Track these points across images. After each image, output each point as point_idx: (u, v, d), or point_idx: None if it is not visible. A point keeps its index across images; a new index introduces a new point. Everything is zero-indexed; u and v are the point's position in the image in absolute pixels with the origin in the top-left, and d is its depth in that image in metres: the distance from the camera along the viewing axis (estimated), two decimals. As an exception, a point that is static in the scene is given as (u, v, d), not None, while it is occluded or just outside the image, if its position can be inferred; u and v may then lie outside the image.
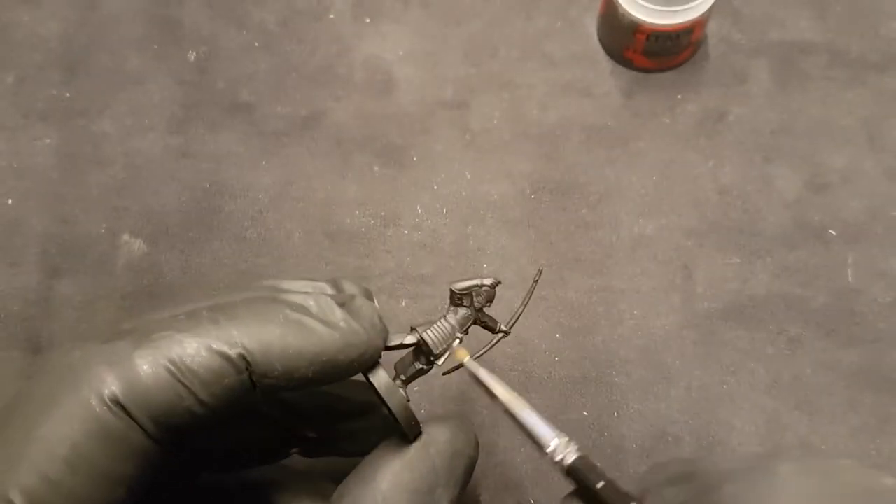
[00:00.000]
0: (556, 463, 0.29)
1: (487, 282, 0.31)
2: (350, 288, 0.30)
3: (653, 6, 0.45)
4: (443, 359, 0.31)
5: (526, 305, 0.32)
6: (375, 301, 0.30)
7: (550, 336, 0.45)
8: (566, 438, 0.29)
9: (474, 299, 0.31)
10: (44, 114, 0.50)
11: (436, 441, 0.29)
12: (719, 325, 0.45)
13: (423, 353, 0.30)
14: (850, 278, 0.46)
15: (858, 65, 0.49)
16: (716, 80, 0.50)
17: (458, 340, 0.31)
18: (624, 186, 0.48)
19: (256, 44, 0.51)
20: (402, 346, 0.30)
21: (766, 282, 0.46)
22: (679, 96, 0.49)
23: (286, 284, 0.28)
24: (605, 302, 0.46)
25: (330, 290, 0.29)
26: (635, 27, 0.46)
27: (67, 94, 0.51)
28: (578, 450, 0.29)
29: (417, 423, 0.29)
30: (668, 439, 0.43)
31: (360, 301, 0.28)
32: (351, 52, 0.51)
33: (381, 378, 0.28)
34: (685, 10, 0.45)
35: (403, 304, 0.46)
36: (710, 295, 0.46)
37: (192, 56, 0.51)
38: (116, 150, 0.50)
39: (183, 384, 0.23)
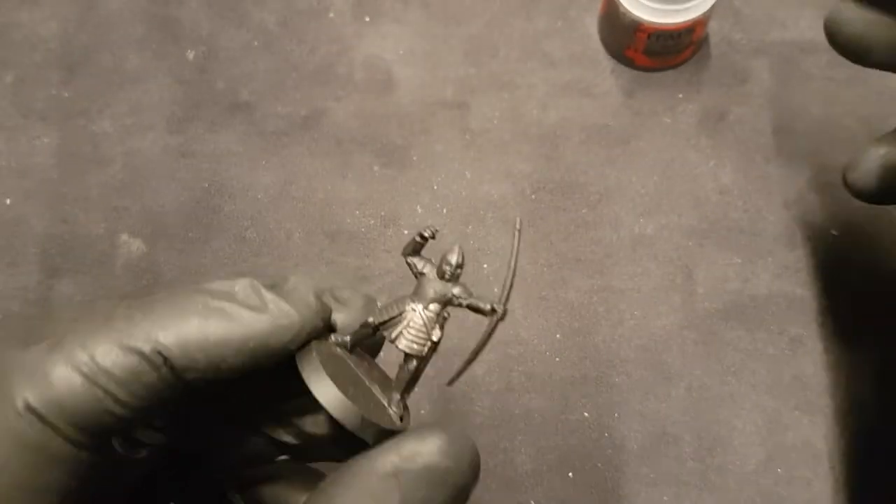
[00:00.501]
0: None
1: (425, 232, 0.27)
2: (350, 296, 0.28)
3: (654, 5, 0.45)
4: (395, 330, 0.26)
5: (515, 270, 0.26)
6: (380, 303, 0.28)
7: (551, 336, 0.45)
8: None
9: (436, 266, 0.27)
10: (43, 113, 0.50)
11: (409, 464, 0.23)
12: (720, 325, 0.45)
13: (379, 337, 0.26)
14: (851, 279, 0.46)
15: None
16: (717, 80, 0.49)
17: (415, 312, 0.26)
18: (624, 186, 0.48)
19: (256, 43, 0.51)
20: (359, 333, 0.27)
21: (767, 282, 0.46)
22: (680, 96, 0.49)
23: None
24: (605, 302, 0.46)
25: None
26: (636, 26, 0.46)
27: (67, 94, 0.51)
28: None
29: (373, 426, 0.24)
30: (668, 439, 0.43)
31: (295, 281, 0.26)
32: (351, 52, 0.51)
33: (306, 360, 0.24)
34: (686, 9, 0.45)
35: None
36: (710, 295, 0.46)
37: (191, 55, 0.51)
38: (116, 150, 0.50)
39: (98, 386, 0.23)
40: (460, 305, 0.26)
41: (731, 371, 0.44)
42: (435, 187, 0.48)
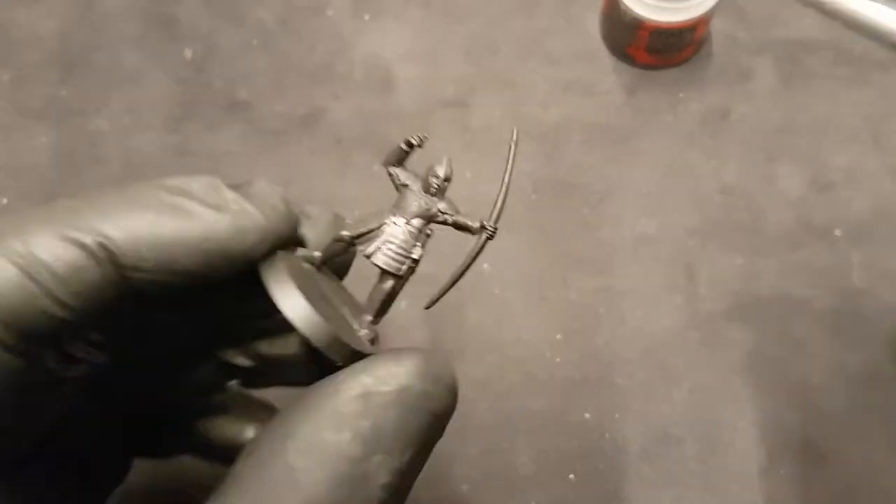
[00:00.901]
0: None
1: (413, 139, 0.24)
2: (315, 212, 0.26)
3: (656, 3, 0.45)
4: (371, 245, 0.24)
5: (508, 186, 0.25)
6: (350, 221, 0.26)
7: (551, 337, 0.45)
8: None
9: (421, 179, 0.24)
10: (41, 112, 0.50)
11: (382, 385, 0.21)
12: (722, 325, 0.45)
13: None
14: (854, 279, 0.45)
15: (863, 62, 0.49)
16: (719, 78, 0.49)
17: (393, 225, 0.24)
18: (626, 185, 0.47)
19: (255, 41, 0.51)
20: (329, 249, 0.24)
21: (769, 282, 0.45)
22: (682, 94, 0.49)
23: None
24: (606, 302, 0.45)
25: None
26: (638, 24, 0.46)
27: (64, 93, 0.50)
28: None
29: (343, 345, 0.21)
30: (670, 441, 0.43)
31: (262, 184, 0.23)
32: (350, 50, 0.51)
33: (274, 271, 0.21)
34: (688, 6, 0.45)
35: (403, 304, 0.46)
36: (713, 295, 0.45)
37: (189, 54, 0.51)
38: (114, 149, 0.49)
39: (35, 280, 0.20)
40: (445, 222, 0.24)
41: (734, 372, 0.44)
42: (435, 187, 0.48)
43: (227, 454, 0.30)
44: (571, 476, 0.43)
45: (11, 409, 0.21)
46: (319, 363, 0.22)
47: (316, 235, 0.25)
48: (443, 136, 0.49)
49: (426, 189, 0.25)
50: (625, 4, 0.45)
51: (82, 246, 0.20)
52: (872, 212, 0.46)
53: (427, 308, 0.25)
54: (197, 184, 0.22)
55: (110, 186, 0.22)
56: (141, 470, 0.30)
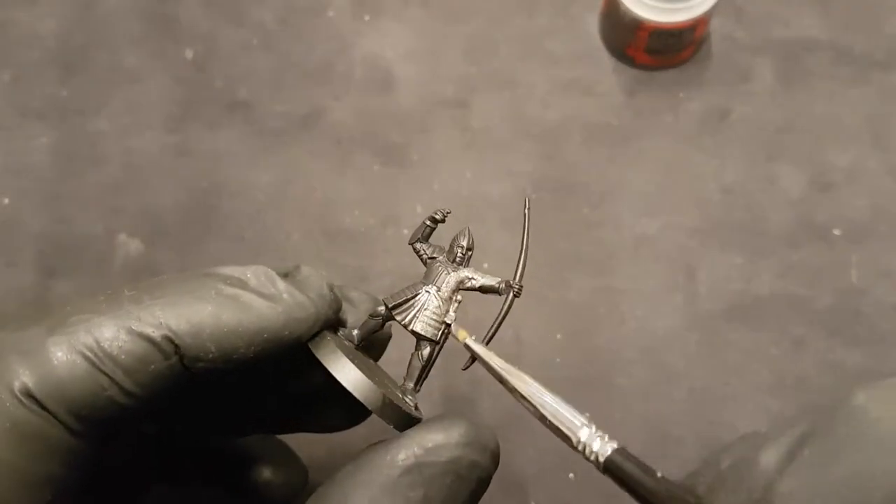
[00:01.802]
0: (589, 458, 0.23)
1: (437, 215, 0.26)
2: (357, 297, 0.27)
3: (655, 3, 0.45)
4: (409, 314, 0.25)
5: (526, 252, 0.27)
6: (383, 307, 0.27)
7: (551, 337, 0.45)
8: (595, 428, 0.24)
9: (446, 250, 0.26)
10: (40, 112, 0.50)
11: (433, 458, 0.22)
12: (722, 325, 0.45)
13: (420, 336, 0.26)
14: (854, 278, 0.45)
15: (863, 62, 0.49)
16: (719, 78, 0.49)
17: (428, 295, 0.25)
18: (626, 185, 0.47)
19: (255, 41, 0.51)
20: (369, 323, 0.26)
21: (769, 282, 0.45)
22: (681, 94, 0.49)
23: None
24: (606, 302, 0.45)
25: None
26: (637, 24, 0.46)
27: (64, 93, 0.50)
28: (612, 439, 0.23)
29: (402, 412, 0.23)
30: (670, 441, 0.43)
31: (308, 270, 0.25)
32: (350, 50, 0.51)
33: (340, 363, 0.23)
34: (688, 7, 0.45)
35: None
36: (713, 295, 0.45)
37: (189, 54, 0.51)
38: (113, 149, 0.49)
39: (103, 372, 0.21)
40: (472, 288, 0.26)
41: (734, 372, 0.44)
42: (435, 187, 0.48)
43: (240, 486, 0.32)
44: (571, 476, 0.43)
45: (77, 486, 0.22)
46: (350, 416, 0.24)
47: (356, 318, 0.27)
48: (443, 135, 0.49)
49: (451, 259, 0.27)
50: (624, 5, 0.45)
51: (150, 340, 0.21)
52: (872, 212, 0.46)
53: (464, 369, 0.26)
54: (252, 274, 0.24)
55: (167, 275, 0.23)
56: (157, 493, 0.31)
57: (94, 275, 0.47)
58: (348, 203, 0.48)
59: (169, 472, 0.31)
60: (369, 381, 0.23)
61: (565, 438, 0.23)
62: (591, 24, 0.51)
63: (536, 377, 0.42)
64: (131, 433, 0.26)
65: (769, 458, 0.21)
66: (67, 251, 0.47)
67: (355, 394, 0.23)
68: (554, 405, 0.24)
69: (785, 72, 0.49)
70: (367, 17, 0.51)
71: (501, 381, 0.24)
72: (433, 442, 0.22)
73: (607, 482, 0.44)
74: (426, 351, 0.25)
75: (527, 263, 0.27)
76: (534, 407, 0.24)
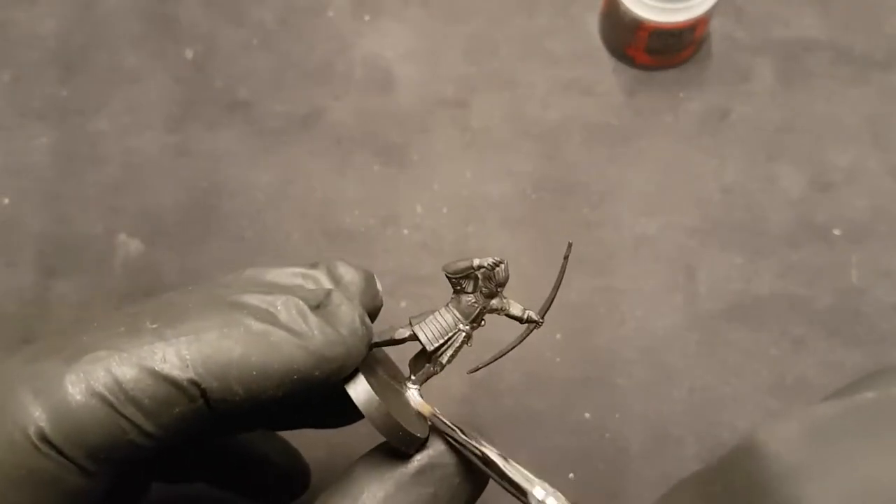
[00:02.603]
0: None
1: (486, 262, 0.26)
2: (346, 273, 0.26)
3: (655, 3, 0.45)
4: (447, 355, 0.26)
5: (558, 289, 0.27)
6: (379, 284, 0.27)
7: (551, 337, 0.45)
8: (546, 488, 0.25)
9: (480, 284, 0.26)
10: (40, 112, 0.50)
11: (446, 459, 0.24)
12: (722, 325, 0.45)
13: (425, 352, 0.26)
14: (854, 278, 0.45)
15: (863, 62, 0.49)
16: (719, 78, 0.49)
17: (463, 335, 0.26)
18: (626, 185, 0.47)
19: (255, 41, 0.51)
20: (392, 342, 0.26)
21: (769, 282, 0.45)
22: (681, 94, 0.49)
23: (271, 274, 0.25)
24: (606, 302, 0.45)
25: (324, 278, 0.25)
26: (637, 24, 0.46)
27: (64, 93, 0.50)
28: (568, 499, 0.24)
29: (412, 436, 0.24)
30: (670, 441, 0.43)
31: (339, 299, 0.24)
32: (350, 50, 0.51)
33: (359, 390, 0.23)
34: (688, 7, 0.45)
35: (403, 304, 0.46)
36: (713, 295, 0.45)
37: (189, 54, 0.51)
38: (113, 149, 0.49)
39: (124, 416, 0.20)
40: (497, 312, 0.27)
41: (734, 372, 0.44)
42: (435, 187, 0.48)
43: (243, 485, 0.32)
44: (571, 475, 0.43)
45: None
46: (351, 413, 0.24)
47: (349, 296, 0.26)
48: (443, 135, 0.49)
49: (486, 294, 0.27)
50: (624, 5, 0.45)
51: (174, 383, 0.20)
52: (872, 212, 0.46)
53: (470, 373, 0.28)
54: (282, 306, 0.22)
55: (188, 297, 0.22)
56: (157, 492, 0.31)
57: (94, 275, 0.47)
58: (348, 203, 0.48)
59: (170, 470, 0.31)
60: (383, 404, 0.23)
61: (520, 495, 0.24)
62: (591, 24, 0.51)
63: (535, 377, 0.42)
64: (146, 465, 0.25)
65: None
66: (67, 251, 0.47)
67: (379, 430, 0.23)
68: (511, 470, 0.24)
69: (785, 72, 0.49)
70: (367, 17, 0.51)
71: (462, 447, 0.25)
72: (443, 448, 0.24)
73: (607, 482, 0.44)
74: (440, 367, 0.27)
75: (553, 301, 0.27)
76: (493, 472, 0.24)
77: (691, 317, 0.45)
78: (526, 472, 0.24)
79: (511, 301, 0.27)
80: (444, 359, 0.26)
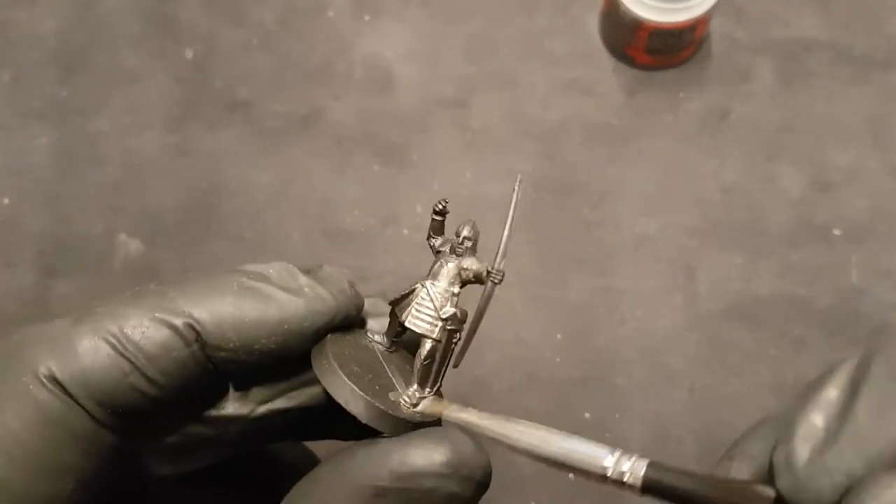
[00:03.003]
0: (625, 483, 0.20)
1: (436, 207, 0.25)
2: (334, 275, 0.26)
3: (655, 3, 0.45)
4: (405, 311, 0.24)
5: (510, 234, 0.25)
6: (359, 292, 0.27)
7: (551, 337, 0.45)
8: (618, 451, 0.21)
9: (453, 248, 0.25)
10: (40, 112, 0.50)
11: (411, 484, 0.21)
12: (722, 325, 0.45)
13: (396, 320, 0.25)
14: (854, 278, 0.45)
15: (863, 62, 0.49)
16: (719, 78, 0.49)
17: (421, 288, 0.24)
18: (626, 185, 0.47)
19: (255, 41, 0.51)
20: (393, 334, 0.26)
21: (769, 282, 0.45)
22: (681, 94, 0.49)
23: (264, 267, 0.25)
24: (606, 302, 0.45)
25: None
26: (637, 25, 0.46)
27: (64, 93, 0.50)
28: (641, 456, 0.21)
29: (385, 415, 0.22)
30: (670, 441, 0.43)
31: (329, 269, 0.25)
32: (350, 50, 0.51)
33: (323, 359, 0.23)
34: (687, 7, 0.44)
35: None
36: (713, 295, 0.45)
37: (189, 54, 0.51)
38: (113, 149, 0.49)
39: (126, 358, 0.21)
40: (469, 279, 0.25)
41: (734, 372, 0.44)
42: (435, 186, 0.48)
43: (268, 495, 0.31)
44: (571, 476, 0.43)
45: (100, 483, 0.22)
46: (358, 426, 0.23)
47: (379, 325, 0.27)
48: (443, 135, 0.49)
49: (453, 251, 0.26)
50: (624, 5, 0.45)
51: (172, 326, 0.22)
52: (872, 212, 0.46)
53: (454, 367, 0.25)
54: (274, 270, 0.24)
55: (192, 275, 0.24)
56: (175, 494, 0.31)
57: (94, 275, 0.47)
58: (348, 203, 0.48)
59: (189, 475, 0.31)
60: (356, 389, 0.22)
61: (589, 475, 0.21)
62: (591, 24, 0.51)
63: (535, 377, 0.42)
64: (159, 429, 0.25)
65: (817, 422, 0.19)
66: (67, 251, 0.47)
67: (343, 404, 0.22)
68: (564, 445, 0.22)
69: (785, 72, 0.49)
70: (367, 17, 0.51)
71: (498, 442, 0.22)
72: (411, 467, 0.21)
73: (607, 482, 0.43)
74: (426, 347, 0.24)
75: (508, 248, 0.25)
76: (543, 457, 0.21)
77: (691, 317, 0.45)
78: (585, 443, 0.21)
79: (480, 262, 0.25)
80: (406, 316, 0.24)
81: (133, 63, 0.51)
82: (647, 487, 0.20)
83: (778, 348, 0.44)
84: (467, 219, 0.26)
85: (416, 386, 0.24)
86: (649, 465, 0.20)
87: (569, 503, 0.43)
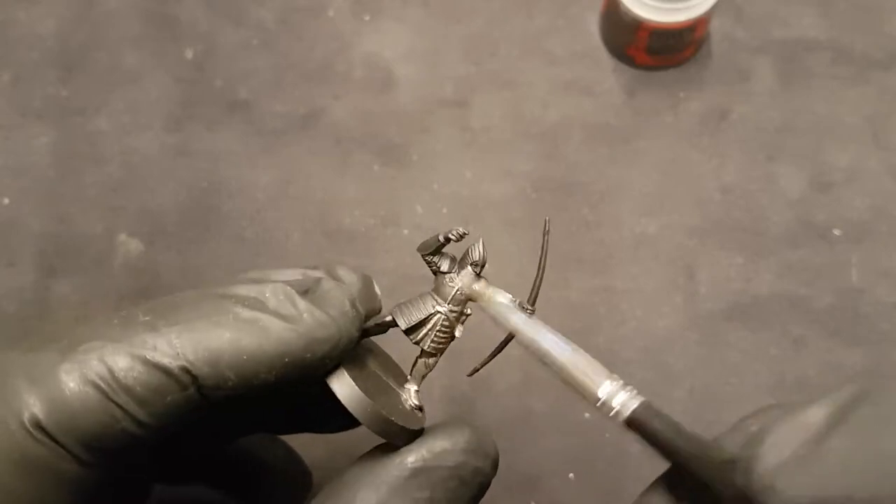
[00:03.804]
0: (610, 410, 0.23)
1: (452, 233, 0.25)
2: (345, 275, 0.26)
3: (655, 3, 0.45)
4: (427, 338, 0.25)
5: (544, 271, 0.27)
6: (377, 288, 0.27)
7: (552, 337, 0.45)
8: (618, 383, 0.24)
9: (456, 264, 0.26)
10: (41, 112, 0.50)
11: (440, 463, 0.23)
12: (722, 325, 0.45)
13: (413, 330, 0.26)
14: (854, 278, 0.45)
15: (862, 62, 0.49)
16: (719, 78, 0.49)
17: (440, 315, 0.25)
18: (626, 186, 0.47)
19: (255, 41, 0.51)
20: (375, 329, 0.26)
21: (769, 282, 0.45)
22: (681, 94, 0.49)
23: (275, 275, 0.25)
24: (606, 302, 0.45)
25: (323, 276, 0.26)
26: (637, 24, 0.46)
27: (64, 93, 0.50)
28: (637, 395, 0.23)
29: (404, 430, 0.24)
30: (670, 441, 0.43)
31: (329, 284, 0.24)
32: (350, 50, 0.51)
33: (342, 384, 0.23)
34: (688, 7, 0.45)
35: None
36: (712, 295, 0.45)
37: (189, 54, 0.51)
38: (113, 149, 0.49)
39: (116, 404, 0.20)
40: (482, 300, 0.26)
41: (734, 372, 0.44)
42: (435, 187, 0.48)
43: (244, 489, 0.32)
44: (571, 476, 0.43)
45: None
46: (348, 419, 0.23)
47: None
48: (443, 135, 0.49)
49: (460, 270, 0.26)
50: (624, 5, 0.45)
51: (165, 371, 0.21)
52: (872, 211, 0.46)
53: (469, 375, 0.27)
54: (270, 293, 0.23)
55: (181, 295, 0.23)
56: (157, 494, 0.31)
57: (94, 275, 0.47)
58: (348, 203, 0.48)
59: (172, 472, 0.31)
60: (373, 404, 0.23)
61: (584, 393, 0.23)
62: (591, 23, 0.51)
63: (535, 376, 0.42)
64: (141, 458, 0.25)
65: (817, 416, 0.20)
66: (67, 251, 0.47)
67: (361, 419, 0.23)
68: (573, 358, 0.24)
69: (785, 72, 0.49)
70: (366, 17, 0.51)
71: (514, 337, 0.25)
72: (440, 448, 0.23)
73: (607, 482, 0.44)
74: (432, 360, 0.26)
75: (542, 285, 0.27)
76: (549, 361, 0.24)
77: (691, 317, 0.45)
78: (594, 363, 0.24)
79: (496, 289, 0.26)
80: (425, 343, 0.25)
81: (133, 63, 0.51)
82: (631, 424, 0.23)
83: (778, 348, 0.44)
84: (477, 241, 0.26)
85: (416, 388, 0.26)
86: (641, 406, 0.23)
87: (569, 503, 0.43)
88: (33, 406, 0.20)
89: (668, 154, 0.48)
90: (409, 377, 0.26)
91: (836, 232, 0.46)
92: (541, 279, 0.26)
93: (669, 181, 0.47)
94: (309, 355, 0.22)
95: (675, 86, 0.49)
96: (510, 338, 0.26)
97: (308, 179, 0.48)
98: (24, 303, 0.46)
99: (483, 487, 0.24)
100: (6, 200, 0.48)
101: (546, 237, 0.26)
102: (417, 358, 0.26)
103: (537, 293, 0.26)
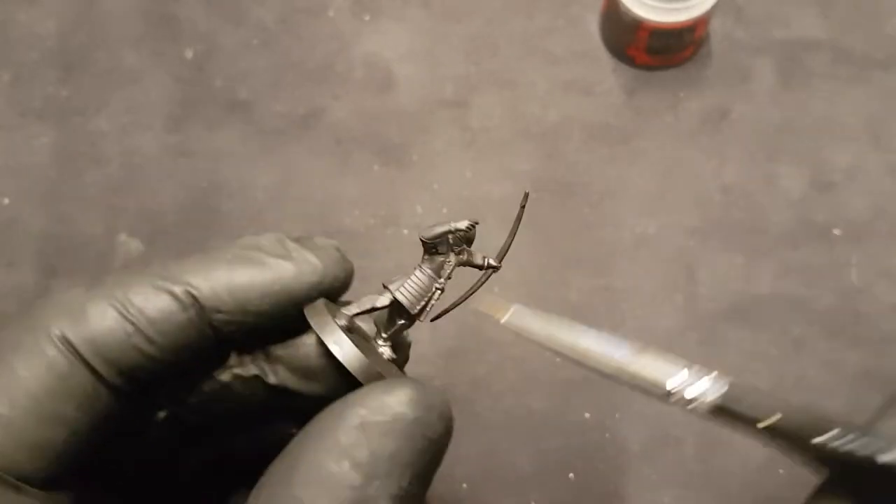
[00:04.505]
0: (692, 403, 0.20)
1: (462, 225, 0.27)
2: (322, 242, 0.29)
3: (655, 3, 0.45)
4: (426, 315, 0.27)
5: (514, 235, 0.28)
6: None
7: (552, 337, 0.45)
8: (692, 368, 0.21)
9: (452, 244, 0.27)
10: (41, 112, 0.50)
11: (377, 415, 0.22)
12: (722, 325, 0.45)
13: (402, 313, 0.27)
14: (854, 278, 0.45)
15: (863, 62, 0.49)
16: (719, 78, 0.49)
17: (439, 291, 0.27)
18: (626, 185, 0.47)
19: (255, 41, 0.51)
20: (374, 309, 0.27)
21: (769, 281, 0.45)
22: (681, 94, 0.49)
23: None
24: (606, 302, 0.45)
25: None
26: (637, 24, 0.46)
27: (64, 93, 0.50)
28: (716, 377, 0.21)
29: (377, 373, 0.24)
30: (670, 441, 0.43)
31: (319, 239, 0.28)
32: (350, 50, 0.51)
33: (316, 310, 0.25)
34: (688, 7, 0.45)
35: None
36: (713, 295, 0.45)
37: (189, 54, 0.51)
38: (113, 149, 0.49)
39: (130, 322, 0.24)
40: (460, 265, 0.28)
41: (734, 372, 0.44)
42: (435, 187, 0.48)
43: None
44: (571, 476, 0.43)
45: (94, 440, 0.24)
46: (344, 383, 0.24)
47: (327, 265, 0.29)
48: (443, 135, 0.49)
49: (455, 250, 0.28)
50: (624, 5, 0.45)
51: (171, 293, 0.24)
52: (872, 211, 0.46)
53: (432, 320, 0.28)
54: (265, 239, 0.27)
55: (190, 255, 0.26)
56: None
57: (94, 275, 0.47)
58: (348, 203, 0.48)
59: (193, 473, 0.31)
60: (355, 347, 0.25)
61: (652, 392, 0.21)
62: (591, 23, 0.51)
63: (535, 376, 0.42)
64: (162, 395, 0.27)
65: None
66: (67, 251, 0.47)
67: (332, 350, 0.24)
68: (629, 358, 0.22)
69: (785, 72, 0.49)
70: (366, 17, 0.51)
71: (552, 350, 0.25)
72: (377, 402, 0.23)
73: (607, 482, 0.44)
74: (403, 321, 0.27)
75: (510, 247, 0.29)
76: (599, 370, 0.22)
77: (691, 317, 0.45)
78: (657, 358, 0.22)
79: (471, 251, 0.28)
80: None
81: (133, 63, 0.51)
82: (716, 413, 0.20)
83: (778, 348, 0.44)
84: (477, 222, 0.28)
85: (384, 337, 0.27)
86: (727, 391, 0.20)
87: (569, 503, 0.43)
88: (61, 323, 0.24)
89: (668, 154, 0.48)
90: (382, 336, 0.28)
91: (837, 232, 0.46)
92: (510, 243, 0.29)
93: (669, 181, 0.47)
94: (297, 285, 0.26)
95: (675, 86, 0.49)
96: (479, 285, 0.28)
97: (308, 179, 0.48)
98: (24, 303, 0.46)
99: (431, 441, 0.23)
100: (6, 200, 0.48)
101: (522, 209, 0.29)
102: (398, 319, 0.27)
103: (505, 254, 0.28)
